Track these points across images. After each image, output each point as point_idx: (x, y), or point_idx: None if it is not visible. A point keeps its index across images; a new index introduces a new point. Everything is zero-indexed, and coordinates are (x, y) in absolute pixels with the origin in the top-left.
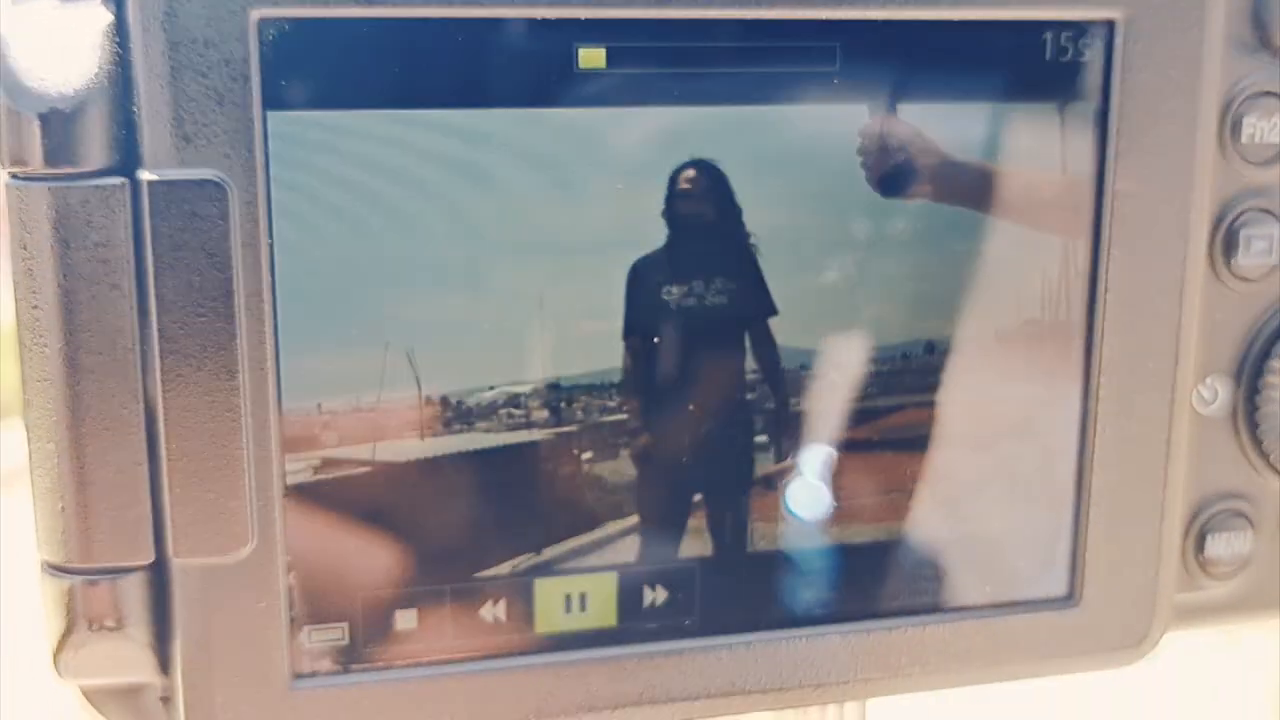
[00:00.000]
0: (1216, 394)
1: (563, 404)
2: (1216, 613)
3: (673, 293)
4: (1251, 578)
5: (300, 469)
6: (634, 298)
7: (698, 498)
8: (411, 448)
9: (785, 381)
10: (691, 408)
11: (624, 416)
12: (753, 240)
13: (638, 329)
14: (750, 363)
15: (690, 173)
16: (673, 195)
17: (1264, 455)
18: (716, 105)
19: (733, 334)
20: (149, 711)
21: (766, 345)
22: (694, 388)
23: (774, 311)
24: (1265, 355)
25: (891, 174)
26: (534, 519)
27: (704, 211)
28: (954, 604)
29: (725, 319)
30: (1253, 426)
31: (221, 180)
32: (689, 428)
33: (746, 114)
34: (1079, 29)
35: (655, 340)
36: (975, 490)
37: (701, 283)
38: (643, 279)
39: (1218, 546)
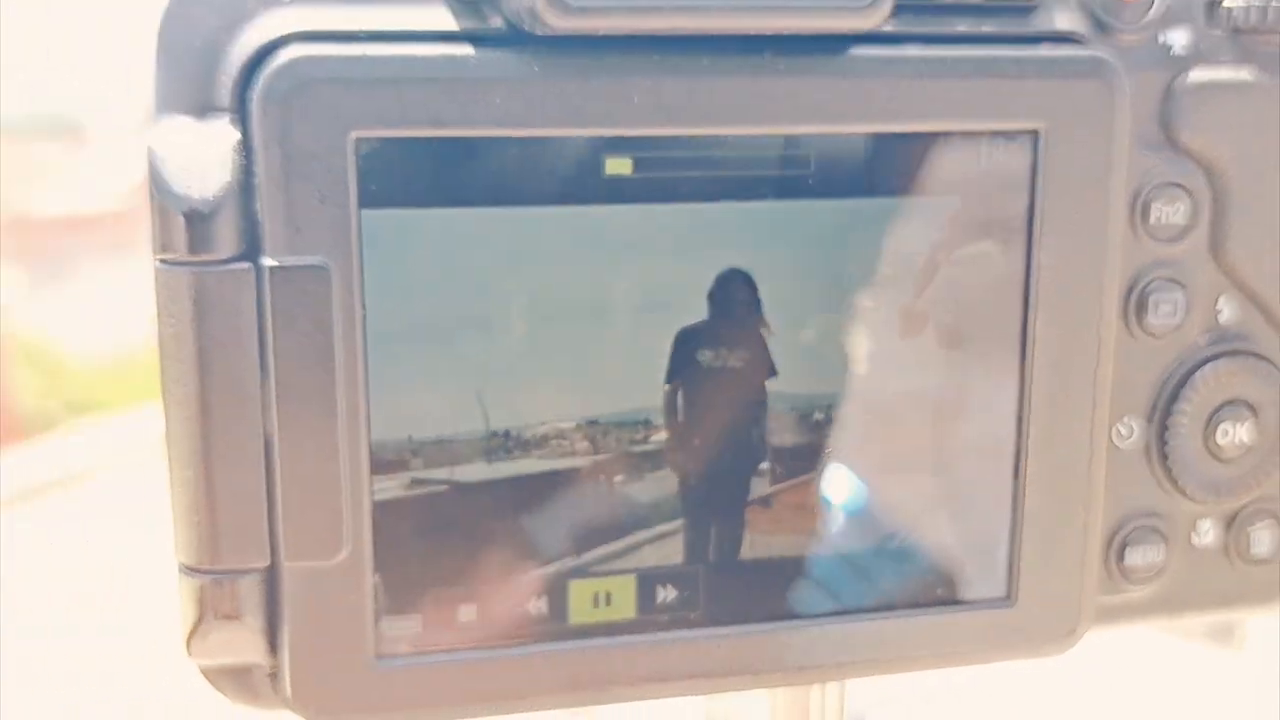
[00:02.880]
0: (1133, 431)
1: (599, 437)
2: (1136, 613)
3: (705, 355)
4: (1165, 584)
5: (390, 487)
6: (676, 357)
7: (704, 513)
8: (481, 470)
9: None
10: (702, 443)
11: (649, 448)
12: (764, 319)
13: (671, 380)
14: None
15: (726, 274)
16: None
17: (1174, 482)
18: (729, 202)
19: (742, 390)
20: (258, 687)
21: (762, 399)
22: (710, 428)
23: (774, 373)
24: (1173, 399)
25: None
26: (573, 530)
27: (734, 302)
28: (912, 602)
29: (738, 379)
30: (1164, 459)
31: (325, 265)
32: (701, 458)
33: (752, 209)
34: (1009, 136)
35: (683, 390)
36: (931, 511)
37: (726, 350)
38: (684, 343)
39: (1135, 557)
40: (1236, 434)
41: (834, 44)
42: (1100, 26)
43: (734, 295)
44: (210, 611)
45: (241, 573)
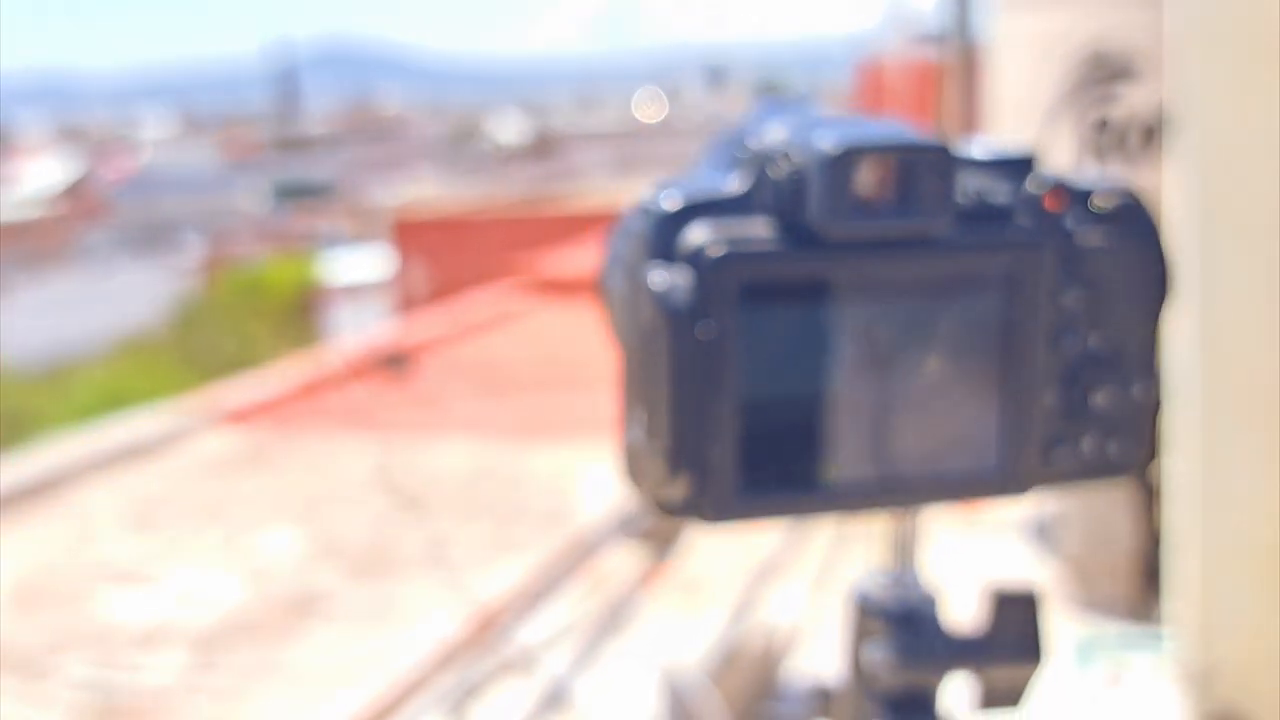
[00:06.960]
0: (1053, 395)
1: (821, 399)
2: (1057, 482)
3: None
4: (1069, 468)
5: (741, 424)
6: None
7: (858, 431)
8: (775, 415)
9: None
10: (854, 401)
11: (829, 405)
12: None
13: (850, 370)
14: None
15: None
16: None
17: (1073, 420)
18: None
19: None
20: (677, 509)
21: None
22: (854, 389)
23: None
24: (1072, 381)
25: None
26: (804, 443)
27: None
28: (954, 467)
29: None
30: (1069, 409)
31: (727, 330)
32: (858, 404)
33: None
34: (997, 275)
35: (856, 374)
36: (964, 430)
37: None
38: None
39: (1055, 454)
40: (1099, 398)
41: (929, 240)
42: (1036, 221)
43: (887, 338)
44: (670, 472)
45: (684, 453)
